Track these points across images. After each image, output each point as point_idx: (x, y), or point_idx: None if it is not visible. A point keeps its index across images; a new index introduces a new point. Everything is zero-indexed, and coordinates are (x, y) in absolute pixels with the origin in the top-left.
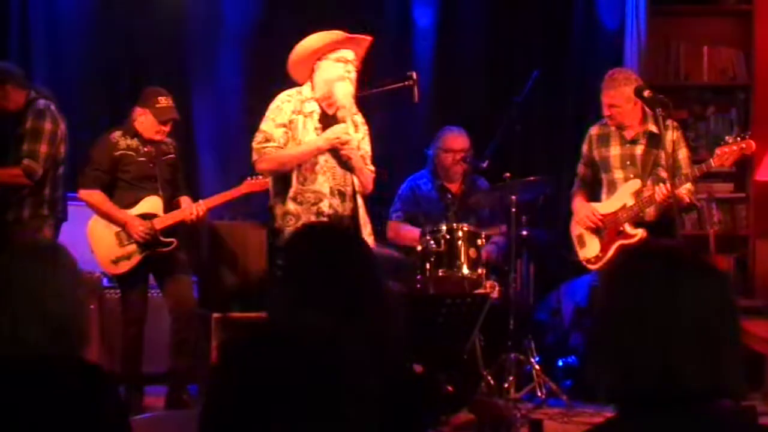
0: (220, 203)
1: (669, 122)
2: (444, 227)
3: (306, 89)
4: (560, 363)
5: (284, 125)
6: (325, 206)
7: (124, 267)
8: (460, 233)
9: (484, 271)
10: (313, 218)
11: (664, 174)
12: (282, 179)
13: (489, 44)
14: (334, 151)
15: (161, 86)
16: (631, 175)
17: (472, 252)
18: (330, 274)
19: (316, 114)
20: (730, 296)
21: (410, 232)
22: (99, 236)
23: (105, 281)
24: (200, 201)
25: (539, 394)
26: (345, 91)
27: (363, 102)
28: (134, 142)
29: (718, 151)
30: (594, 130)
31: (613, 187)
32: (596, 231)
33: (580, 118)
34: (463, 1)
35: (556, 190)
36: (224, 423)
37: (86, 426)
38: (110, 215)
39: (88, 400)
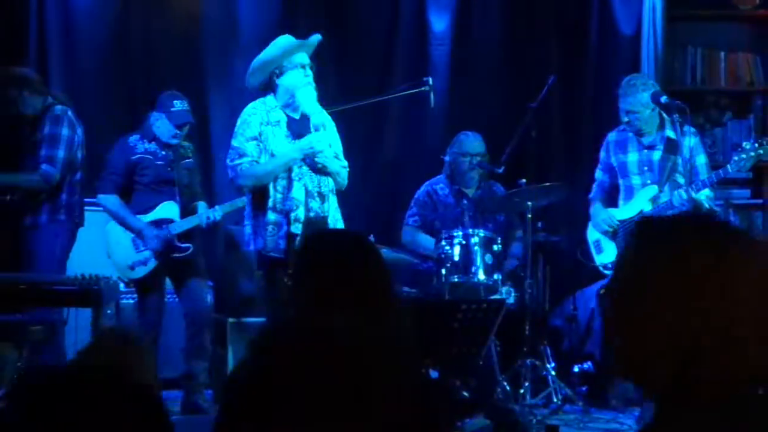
0: (236, 209)
1: (687, 128)
2: (460, 233)
3: (269, 99)
4: (576, 369)
5: (255, 138)
6: (301, 213)
7: (141, 272)
8: (476, 239)
9: (500, 277)
10: (293, 224)
11: (681, 180)
12: (260, 191)
13: (505, 49)
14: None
15: (177, 90)
16: (649, 181)
17: (488, 257)
18: (340, 276)
19: (282, 122)
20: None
21: (426, 241)
22: (116, 241)
23: (121, 286)
24: (216, 206)
25: (555, 399)
26: (308, 97)
27: (379, 107)
28: (151, 147)
29: (735, 157)
30: (612, 136)
31: (630, 192)
32: (613, 236)
33: (596, 124)
34: (479, 6)
35: (572, 195)
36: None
37: None
38: (126, 222)
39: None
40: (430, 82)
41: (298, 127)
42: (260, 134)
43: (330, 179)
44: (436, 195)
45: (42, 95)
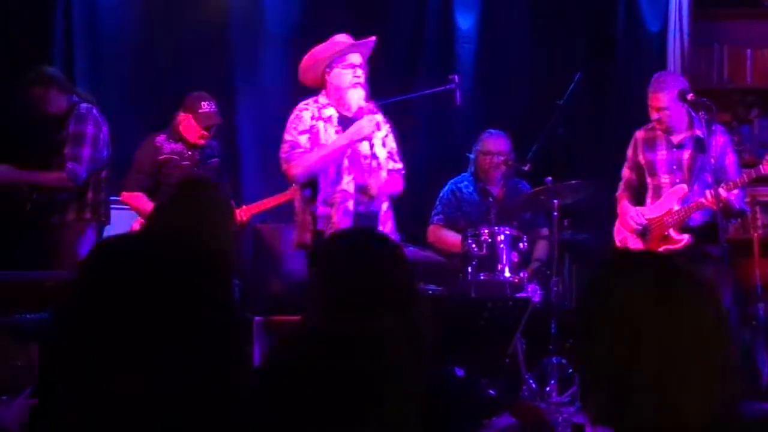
0: (264, 209)
1: (716, 127)
2: (486, 230)
3: (321, 96)
4: None
5: (306, 131)
6: (350, 205)
7: None
8: (502, 236)
9: (527, 275)
10: (342, 217)
11: (710, 179)
12: (310, 185)
13: (531, 47)
14: (359, 149)
15: (205, 90)
16: (678, 180)
17: (514, 255)
18: (363, 275)
19: (334, 118)
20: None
21: (452, 238)
22: None
23: None
24: (244, 207)
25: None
26: (357, 97)
27: (405, 105)
28: (178, 147)
29: (767, 156)
30: (640, 134)
31: (658, 191)
32: (641, 235)
33: (622, 121)
34: (505, 3)
35: (598, 193)
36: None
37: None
38: None
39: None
40: (457, 80)
41: (350, 125)
42: (311, 128)
43: (381, 176)
44: (461, 193)
45: (67, 94)
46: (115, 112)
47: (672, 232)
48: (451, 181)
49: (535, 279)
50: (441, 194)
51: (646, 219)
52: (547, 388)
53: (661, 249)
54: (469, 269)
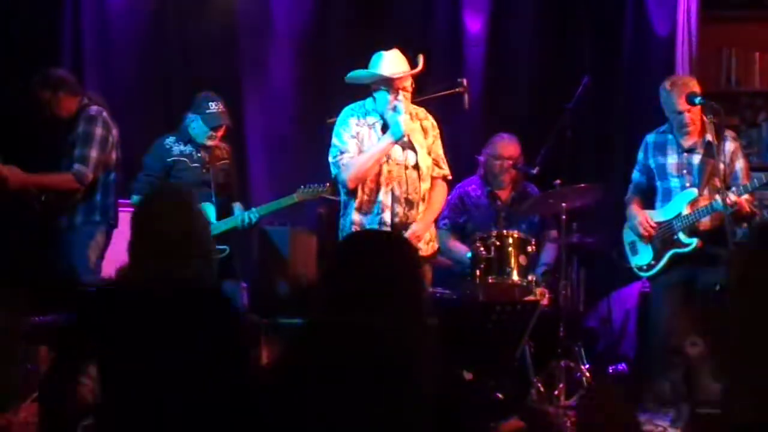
0: (272, 211)
1: (727, 133)
2: (494, 234)
3: (368, 102)
4: (610, 370)
5: (354, 137)
6: (387, 216)
7: None
8: (511, 240)
9: (535, 278)
10: (378, 227)
11: (719, 184)
12: (350, 191)
13: (539, 51)
14: (400, 160)
15: (213, 90)
16: (687, 184)
17: (522, 259)
18: (368, 274)
19: (378, 125)
20: None
21: (459, 250)
22: None
23: None
24: (253, 208)
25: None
26: (398, 120)
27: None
28: (187, 148)
29: None
30: (651, 138)
31: (668, 195)
32: (649, 239)
33: (630, 125)
34: (514, 7)
35: (606, 196)
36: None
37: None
38: None
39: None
40: (465, 83)
41: None
42: (357, 134)
43: (422, 187)
44: (468, 197)
45: (76, 96)
46: (123, 114)
47: (681, 236)
48: (459, 185)
49: (544, 282)
50: (448, 198)
51: (655, 223)
52: (555, 392)
53: (670, 253)
54: (478, 272)
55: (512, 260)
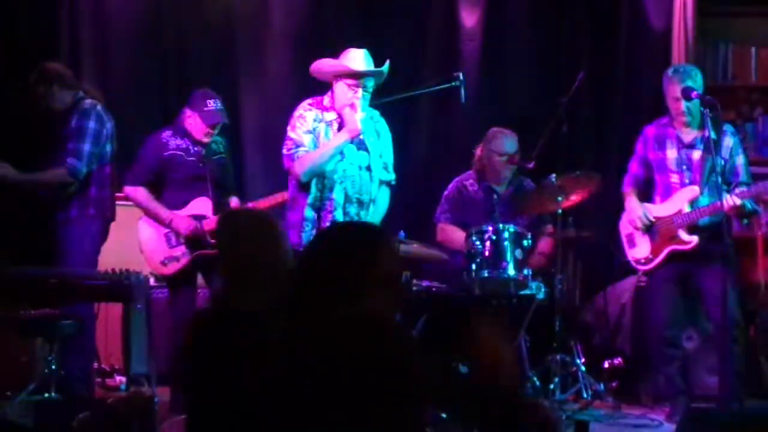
0: (268, 206)
1: (727, 128)
2: (490, 228)
3: (326, 99)
4: (606, 364)
5: (310, 132)
6: (338, 215)
7: (173, 268)
8: (507, 234)
9: (530, 273)
10: (327, 225)
11: (720, 180)
12: (302, 187)
13: (535, 44)
14: (354, 160)
15: (210, 85)
16: (687, 180)
17: (518, 253)
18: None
19: (335, 123)
20: None
21: (459, 236)
22: (148, 237)
23: (152, 281)
24: (249, 203)
25: (585, 395)
26: (351, 117)
27: (409, 102)
28: (184, 142)
29: None
30: (650, 131)
31: (668, 190)
32: (647, 231)
33: (626, 118)
34: (509, 1)
35: (602, 190)
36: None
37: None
38: (155, 213)
39: None
40: (461, 77)
41: None
42: (314, 130)
43: (373, 189)
44: (466, 191)
45: (72, 89)
46: (120, 108)
47: (681, 233)
48: (456, 179)
49: (540, 276)
50: (446, 192)
51: (654, 217)
52: (551, 386)
53: (668, 249)
54: (474, 266)
55: (508, 254)
